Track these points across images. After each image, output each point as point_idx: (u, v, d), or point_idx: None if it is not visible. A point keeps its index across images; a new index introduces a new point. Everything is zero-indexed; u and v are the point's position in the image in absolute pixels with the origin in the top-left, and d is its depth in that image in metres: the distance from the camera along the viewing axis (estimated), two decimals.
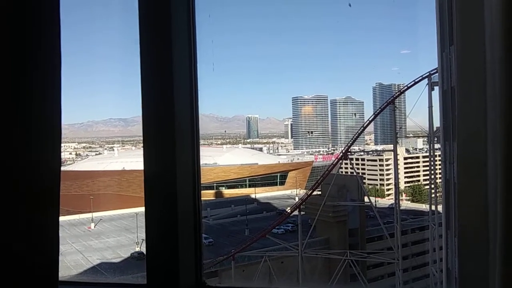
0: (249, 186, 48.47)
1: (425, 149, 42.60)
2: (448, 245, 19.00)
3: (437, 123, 27.35)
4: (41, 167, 1.82)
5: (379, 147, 57.04)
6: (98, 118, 68.46)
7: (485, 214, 1.97)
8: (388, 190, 48.12)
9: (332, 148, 63.08)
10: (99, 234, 37.39)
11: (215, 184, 47.48)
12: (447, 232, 19.40)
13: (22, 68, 1.77)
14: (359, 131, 38.02)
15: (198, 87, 2.80)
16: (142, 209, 2.78)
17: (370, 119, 37.76)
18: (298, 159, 56.53)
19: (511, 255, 1.70)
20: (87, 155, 58.06)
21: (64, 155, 52.47)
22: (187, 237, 2.69)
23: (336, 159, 35.19)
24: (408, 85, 32.47)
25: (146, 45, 2.66)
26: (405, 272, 31.31)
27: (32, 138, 1.80)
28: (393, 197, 36.95)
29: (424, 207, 38.40)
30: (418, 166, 50.65)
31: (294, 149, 65.30)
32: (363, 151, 53.46)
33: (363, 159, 50.56)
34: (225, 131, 72.14)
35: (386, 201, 42.88)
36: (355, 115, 65.51)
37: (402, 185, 45.59)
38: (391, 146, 37.31)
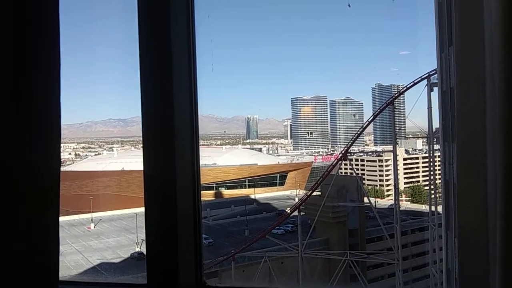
0: (249, 187, 48.49)
1: (425, 150, 42.65)
2: (448, 246, 19.00)
3: (436, 124, 27.40)
4: (40, 167, 1.82)
5: (379, 148, 57.07)
6: (98, 118, 68.55)
7: (485, 215, 1.97)
8: (387, 190, 48.14)
9: (332, 149, 63.09)
10: (98, 234, 37.39)
11: (214, 185, 47.50)
12: (447, 233, 19.40)
13: (21, 68, 1.77)
14: (358, 132, 38.05)
15: (198, 87, 2.80)
16: (141, 209, 2.78)
17: (369, 120, 37.84)
18: (297, 159, 56.55)
19: (511, 255, 1.70)
20: (86, 155, 58.06)
21: (64, 155, 52.46)
22: (187, 237, 2.69)
23: (336, 160, 35.21)
24: (408, 86, 32.54)
25: (145, 45, 2.66)
26: (405, 272, 31.31)
27: (32, 138, 1.80)
28: (392, 197, 36.95)
29: (423, 207, 38.42)
30: (417, 167, 50.68)
31: (293, 150, 65.35)
32: (362, 151, 53.49)
33: (362, 160, 50.58)
34: (225, 132, 72.22)
35: (385, 202, 42.89)
36: (354, 116, 65.57)
37: (401, 186, 45.61)
38: (390, 147, 37.32)
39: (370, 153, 53.89)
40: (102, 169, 47.88)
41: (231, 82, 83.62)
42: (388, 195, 47.18)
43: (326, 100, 66.87)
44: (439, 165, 26.81)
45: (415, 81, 30.84)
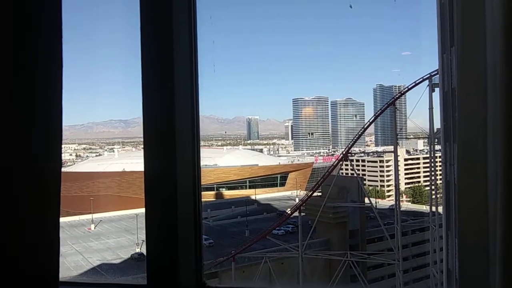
0: (250, 187, 48.51)
1: (426, 151, 42.59)
2: (449, 246, 18.99)
3: (437, 124, 27.41)
4: (41, 168, 1.82)
5: (380, 149, 57.11)
6: (99, 119, 68.64)
7: (485, 215, 1.97)
8: (388, 191, 48.16)
9: (333, 150, 63.16)
10: (99, 235, 37.40)
11: (215, 185, 47.52)
12: (447, 233, 19.40)
13: (22, 69, 1.77)
14: (359, 133, 38.02)
15: (199, 88, 2.80)
16: (142, 210, 2.78)
17: (370, 121, 37.87)
18: (298, 160, 56.58)
19: (511, 256, 1.70)
20: (87, 156, 58.13)
21: (65, 156, 52.48)
22: (187, 238, 2.69)
23: (337, 161, 35.19)
24: (409, 87, 32.57)
25: (147, 46, 2.67)
26: (406, 273, 31.30)
27: (33, 138, 1.80)
28: (393, 198, 36.97)
29: (424, 208, 38.42)
30: (418, 167, 50.70)
31: (294, 151, 65.42)
32: (363, 152, 53.52)
33: (363, 160, 50.62)
34: (226, 132, 72.27)
35: (386, 202, 42.90)
36: (355, 116, 65.62)
37: (402, 186, 45.63)
38: (391, 148, 37.33)
39: (371, 154, 53.95)
40: (103, 170, 47.92)
41: (232, 83, 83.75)
42: (388, 196, 47.19)
43: (327, 101, 67.00)
44: (440, 166, 26.80)
45: (417, 82, 30.89)
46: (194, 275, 2.74)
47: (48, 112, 1.84)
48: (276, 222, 34.74)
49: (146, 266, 2.69)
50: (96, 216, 40.02)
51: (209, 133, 66.82)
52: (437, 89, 25.67)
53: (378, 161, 50.59)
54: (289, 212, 35.09)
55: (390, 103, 33.35)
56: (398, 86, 48.20)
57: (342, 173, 37.82)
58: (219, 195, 47.70)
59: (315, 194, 34.38)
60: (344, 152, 35.04)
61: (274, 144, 70.12)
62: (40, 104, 1.82)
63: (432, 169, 30.12)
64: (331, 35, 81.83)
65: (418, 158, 50.77)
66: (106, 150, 59.05)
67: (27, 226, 1.77)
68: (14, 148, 1.74)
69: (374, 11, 73.66)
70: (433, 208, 28.82)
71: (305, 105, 66.92)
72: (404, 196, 46.63)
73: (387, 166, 48.61)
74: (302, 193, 43.98)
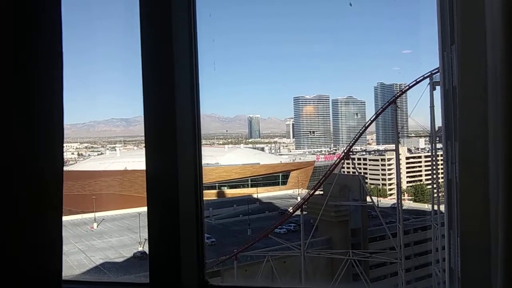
0: (251, 186, 48.50)
1: (427, 149, 42.52)
2: (451, 245, 18.97)
3: (439, 122, 27.40)
4: (44, 167, 1.82)
5: (381, 147, 57.01)
6: (100, 118, 68.61)
7: (487, 214, 1.97)
8: (390, 189, 48.09)
9: (334, 148, 63.06)
10: (101, 234, 37.45)
11: (217, 184, 47.53)
12: (449, 232, 19.38)
13: (22, 69, 1.78)
14: (361, 131, 37.98)
15: (200, 86, 2.80)
16: (144, 209, 2.79)
17: (372, 119, 37.81)
18: (300, 159, 56.53)
19: None
20: (89, 155, 58.18)
21: (66, 155, 52.52)
22: (189, 236, 2.70)
23: (338, 159, 35.14)
24: (410, 85, 32.49)
25: (147, 44, 2.67)
26: (408, 272, 31.30)
27: (35, 138, 1.81)
28: (395, 196, 36.88)
29: (426, 206, 38.38)
30: (420, 166, 50.61)
31: (296, 149, 65.33)
32: (365, 150, 53.46)
33: (365, 159, 50.59)
34: (227, 131, 72.21)
35: (388, 201, 42.84)
36: (356, 114, 65.52)
37: (404, 185, 45.59)
38: (393, 146, 37.29)
39: (373, 152, 53.87)
40: (105, 169, 47.95)
41: (233, 82, 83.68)
42: (390, 194, 47.13)
43: (328, 99, 66.87)
44: (441, 164, 26.77)
45: (418, 80, 30.82)
46: (196, 273, 2.74)
47: (49, 112, 1.84)
48: (278, 221, 34.73)
49: (148, 265, 2.69)
50: (99, 214, 40.06)
51: (210, 132, 66.82)
52: (438, 87, 25.68)
53: (380, 160, 50.53)
54: (291, 210, 35.09)
55: (391, 101, 33.31)
56: (399, 85, 48.06)
57: (344, 171, 37.78)
58: (220, 194, 47.72)
59: (316, 192, 34.35)
60: (345, 151, 35.00)
61: (275, 142, 70.08)
62: (41, 104, 1.82)
63: (434, 167, 30.08)
64: (331, 34, 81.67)
65: (419, 157, 50.67)
66: (108, 149, 59.08)
67: (27, 226, 1.77)
68: (14, 148, 1.74)
69: (374, 10, 73.59)
70: (435, 207, 28.81)
71: (306, 103, 66.84)
72: (406, 195, 46.58)
73: (389, 165, 48.56)
74: (304, 191, 43.95)
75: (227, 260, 30.41)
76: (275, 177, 50.20)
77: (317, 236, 33.32)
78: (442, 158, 25.17)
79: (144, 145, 2.70)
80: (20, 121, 1.76)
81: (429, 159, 33.56)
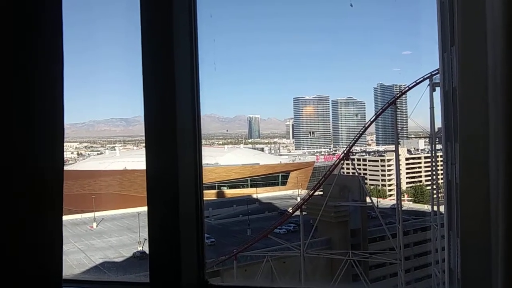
0: (251, 186, 48.50)
1: (427, 150, 42.49)
2: (450, 246, 18.98)
3: (438, 123, 27.40)
4: (44, 166, 1.82)
5: (381, 148, 57.04)
6: (100, 117, 68.61)
7: (487, 215, 1.97)
8: (390, 190, 48.10)
9: (334, 149, 63.06)
10: (101, 234, 37.44)
11: (216, 184, 47.53)
12: (449, 233, 19.38)
13: (22, 69, 1.77)
14: (360, 132, 37.98)
15: (200, 87, 2.80)
16: (144, 208, 2.80)
17: (371, 120, 37.81)
18: (299, 159, 56.55)
19: None
20: (88, 154, 58.18)
21: (66, 154, 52.31)
22: (189, 236, 2.70)
23: (338, 160, 35.15)
24: (410, 86, 32.51)
25: (147, 44, 2.67)
26: (407, 272, 31.30)
27: (35, 137, 1.80)
28: (394, 197, 36.91)
29: (426, 207, 38.37)
30: (419, 167, 50.62)
31: (295, 150, 65.32)
32: (364, 151, 53.48)
33: (364, 160, 50.60)
34: (227, 131, 72.22)
35: (387, 202, 42.86)
36: (356, 115, 65.53)
37: (404, 186, 45.59)
38: (392, 147, 37.36)
39: (372, 153, 53.88)
40: (105, 169, 47.95)
41: (233, 82, 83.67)
42: (390, 195, 47.14)
43: (328, 100, 66.85)
44: (441, 165, 26.77)
45: (417, 81, 30.85)
46: (196, 273, 2.74)
47: (49, 112, 1.84)
48: (277, 221, 34.74)
49: (148, 265, 2.69)
50: (98, 214, 40.07)
51: (210, 132, 66.83)
52: (438, 88, 25.67)
53: (379, 160, 50.54)
54: (290, 211, 35.09)
55: (391, 102, 33.31)
56: (399, 86, 48.08)
57: (343, 172, 37.76)
58: (220, 194, 47.72)
59: (316, 193, 34.36)
60: (345, 151, 35.01)
61: (275, 143, 70.10)
62: (41, 104, 1.82)
63: (434, 168, 30.08)
64: (331, 34, 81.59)
65: (419, 158, 50.69)
66: (107, 149, 59.07)
67: (27, 226, 1.77)
68: (14, 148, 1.74)
69: (374, 10, 73.58)
70: (435, 208, 28.81)
71: (306, 104, 66.84)
72: (405, 196, 46.59)
73: (388, 165, 48.57)
74: (304, 192, 43.97)
75: (227, 260, 30.42)
76: (275, 178, 50.20)
77: (316, 237, 33.33)
78: (441, 159, 25.17)
79: (143, 145, 2.70)
80: (20, 121, 1.76)
81: (429, 160, 33.55)
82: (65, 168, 1.96)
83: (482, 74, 1.97)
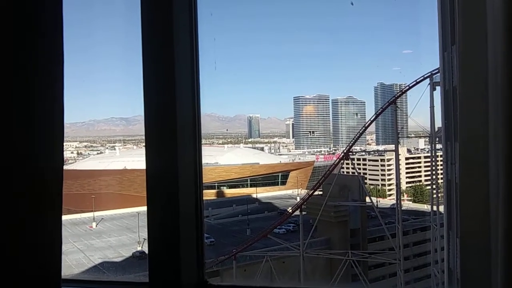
0: (251, 186, 48.49)
1: (427, 149, 42.47)
2: (450, 246, 18.98)
3: (438, 123, 27.40)
4: (43, 166, 1.82)
5: (381, 147, 57.01)
6: (100, 117, 68.56)
7: (487, 215, 1.97)
8: (389, 190, 48.11)
9: (334, 148, 63.05)
10: (100, 233, 37.43)
11: (216, 184, 47.51)
12: (448, 233, 19.38)
13: (22, 69, 1.77)
14: (360, 131, 38.00)
15: (200, 86, 2.80)
16: (143, 208, 2.80)
17: (371, 119, 37.79)
18: (299, 159, 56.53)
19: None
20: (88, 154, 58.14)
21: (66, 154, 52.18)
22: (189, 236, 2.70)
23: (338, 159, 35.15)
24: (410, 85, 32.49)
25: (148, 43, 2.67)
26: (407, 272, 31.30)
27: (35, 137, 1.80)
28: (394, 197, 36.94)
29: (425, 207, 38.38)
30: (419, 167, 50.64)
31: (295, 149, 65.30)
32: (364, 151, 53.46)
33: (364, 159, 50.58)
34: (227, 131, 72.21)
35: (387, 202, 42.87)
36: (356, 115, 65.51)
37: (403, 186, 45.61)
38: (392, 146, 37.32)
39: (372, 153, 53.88)
40: (104, 168, 47.92)
41: (233, 81, 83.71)
42: (390, 195, 47.16)
43: (328, 99, 66.82)
44: (441, 165, 26.77)
45: (418, 80, 30.82)
46: (195, 273, 2.74)
47: (49, 111, 1.84)
48: (277, 221, 34.73)
49: (148, 264, 2.69)
50: (98, 214, 40.04)
51: (210, 131, 66.81)
52: (438, 88, 25.68)
53: (379, 160, 50.54)
54: (290, 211, 35.09)
55: (391, 101, 33.30)
56: (399, 85, 48.06)
57: (343, 172, 37.77)
58: (220, 194, 47.70)
59: (316, 193, 34.36)
60: (345, 151, 35.00)
61: (275, 142, 70.08)
62: (41, 104, 1.82)
63: (433, 168, 30.09)
64: (331, 34, 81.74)
65: (419, 157, 50.69)
66: (107, 148, 59.03)
67: (27, 226, 1.77)
68: (14, 148, 1.74)
69: (374, 10, 73.54)
70: (434, 208, 28.81)
71: (306, 103, 66.82)
72: (405, 195, 46.60)
73: (388, 165, 48.58)
74: (303, 191, 43.96)
75: (226, 260, 30.41)
76: (275, 177, 50.19)
77: (316, 236, 33.34)
78: (441, 158, 25.18)
79: (143, 144, 2.70)
80: (20, 121, 1.76)
81: (429, 159, 33.56)
82: (65, 167, 1.96)
83: (483, 73, 1.97)
